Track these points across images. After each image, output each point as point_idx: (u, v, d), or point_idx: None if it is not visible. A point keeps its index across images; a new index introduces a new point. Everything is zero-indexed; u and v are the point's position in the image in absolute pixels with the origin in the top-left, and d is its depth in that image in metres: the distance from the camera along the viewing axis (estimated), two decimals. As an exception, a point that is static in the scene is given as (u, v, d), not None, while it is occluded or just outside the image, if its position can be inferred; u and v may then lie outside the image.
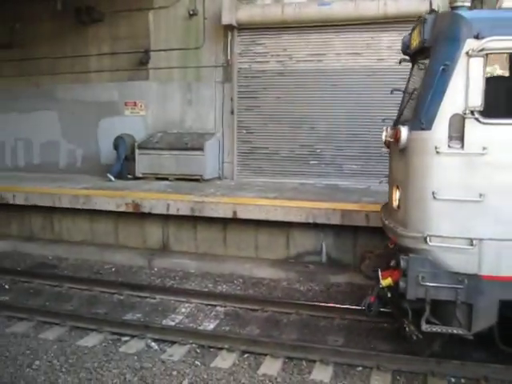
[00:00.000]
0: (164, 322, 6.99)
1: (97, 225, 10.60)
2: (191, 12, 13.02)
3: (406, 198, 5.32)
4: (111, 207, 10.06)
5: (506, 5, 5.13)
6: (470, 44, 4.74)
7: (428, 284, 5.00)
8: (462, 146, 4.83)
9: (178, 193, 10.38)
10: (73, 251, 10.19)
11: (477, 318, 5.00)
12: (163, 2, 13.34)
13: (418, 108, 5.10)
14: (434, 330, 5.12)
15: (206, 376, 5.51)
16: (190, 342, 6.27)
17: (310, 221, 8.74)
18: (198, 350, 6.16)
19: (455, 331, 5.09)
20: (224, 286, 8.45)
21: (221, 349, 6.13)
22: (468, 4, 4.99)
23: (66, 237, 10.90)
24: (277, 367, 5.74)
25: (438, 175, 4.94)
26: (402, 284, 5.11)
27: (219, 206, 9.29)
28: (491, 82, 4.91)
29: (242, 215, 9.15)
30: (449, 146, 4.87)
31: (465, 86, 4.78)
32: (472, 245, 4.86)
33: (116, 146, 12.85)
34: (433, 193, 4.92)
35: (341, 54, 11.92)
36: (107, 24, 13.98)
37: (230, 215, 9.16)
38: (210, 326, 6.90)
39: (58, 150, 14.91)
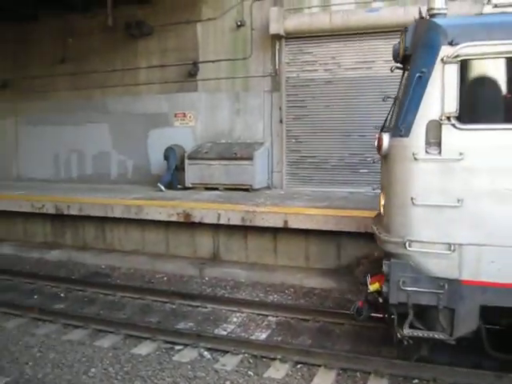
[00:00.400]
0: (216, 331, 6.98)
1: (148, 234, 10.73)
2: (239, 23, 13.13)
3: (388, 203, 5.40)
4: (162, 217, 10.18)
5: (486, 11, 5.20)
6: (445, 51, 4.81)
7: (409, 289, 5.06)
8: (440, 152, 4.87)
9: (228, 202, 10.42)
10: (125, 260, 10.34)
11: (458, 323, 5.00)
12: (211, 13, 13.51)
13: (398, 115, 5.19)
14: (416, 334, 5.16)
15: (259, 386, 5.49)
16: (243, 351, 6.24)
17: (362, 230, 8.61)
18: (251, 360, 6.12)
19: (436, 336, 5.11)
20: (275, 296, 8.40)
21: (273, 359, 6.06)
22: (445, 12, 5.07)
23: (118, 246, 11.07)
24: (331, 379, 5.64)
25: (417, 181, 5.00)
26: (384, 289, 5.22)
27: (270, 215, 9.26)
28: (471, 88, 4.97)
29: (292, 225, 9.09)
30: (426, 152, 4.92)
31: (441, 93, 4.84)
32: (451, 250, 4.90)
33: (166, 157, 13.03)
34: (412, 198, 4.98)
35: (390, 61, 11.69)
36: (156, 37, 14.25)
37: (280, 225, 9.12)
38: (262, 335, 6.86)
39: (110, 161, 15.24)
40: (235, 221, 9.52)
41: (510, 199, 4.75)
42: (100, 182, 14.93)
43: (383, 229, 5.52)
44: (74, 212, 11.11)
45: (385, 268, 5.19)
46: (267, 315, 7.44)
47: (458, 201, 4.83)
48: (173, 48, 14.08)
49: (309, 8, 12.53)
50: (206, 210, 9.84)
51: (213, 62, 13.62)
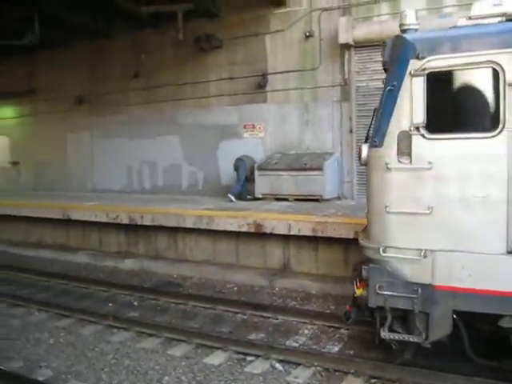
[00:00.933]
0: (287, 342, 6.90)
1: (219, 244, 10.81)
2: (307, 34, 13.12)
3: (368, 211, 5.70)
4: (233, 227, 10.22)
5: (460, 23, 5.34)
6: (413, 64, 5.07)
7: (386, 293, 5.30)
8: (410, 162, 5.13)
9: (299, 213, 10.35)
10: (196, 270, 10.45)
11: (433, 327, 5.16)
12: (279, 25, 13.56)
13: (374, 126, 5.51)
14: (392, 337, 5.38)
15: (333, 400, 5.38)
16: (315, 364, 6.14)
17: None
18: (323, 373, 6.01)
19: (411, 339, 5.31)
20: (347, 308, 8.24)
21: (347, 373, 5.93)
22: (416, 27, 5.34)
23: (190, 256, 11.21)
24: (407, 394, 5.46)
25: (390, 189, 5.26)
26: (364, 293, 5.51)
27: (341, 226, 9.12)
28: (437, 99, 5.11)
29: (363, 236, 8.91)
30: (398, 162, 5.18)
31: (410, 105, 5.09)
32: (424, 256, 5.09)
33: (236, 168, 13.13)
34: (386, 206, 5.24)
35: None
36: (225, 50, 14.45)
37: (351, 236, 8.96)
38: (334, 348, 6.73)
39: (180, 173, 15.52)
40: (306, 231, 9.43)
41: (477, 206, 4.91)
42: (171, 193, 15.24)
43: (366, 236, 5.83)
44: (146, 222, 11.36)
45: (364, 273, 5.47)
46: (339, 327, 7.30)
47: (429, 208, 5.05)
48: (242, 60, 14.22)
49: (378, 16, 12.35)
50: (277, 220, 9.81)
51: (281, 73, 13.65)
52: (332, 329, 7.32)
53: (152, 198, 14.54)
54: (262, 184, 12.78)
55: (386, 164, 5.22)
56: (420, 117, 5.05)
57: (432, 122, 5.05)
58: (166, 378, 6.00)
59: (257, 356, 6.42)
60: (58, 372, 6.24)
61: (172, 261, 11.20)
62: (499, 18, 5.15)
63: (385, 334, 5.39)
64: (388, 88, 5.24)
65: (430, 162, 5.03)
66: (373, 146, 5.40)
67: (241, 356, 6.50)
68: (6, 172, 19.98)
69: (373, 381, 5.78)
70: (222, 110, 14.62)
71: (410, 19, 5.36)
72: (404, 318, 5.40)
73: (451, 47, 5.00)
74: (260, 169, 12.85)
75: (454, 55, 4.97)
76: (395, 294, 5.27)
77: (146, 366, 6.33)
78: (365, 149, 5.56)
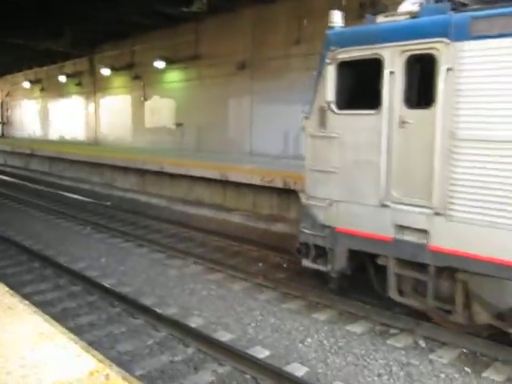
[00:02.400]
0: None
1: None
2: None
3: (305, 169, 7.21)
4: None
5: (379, 20, 6.35)
6: (329, 55, 6.55)
7: (309, 232, 6.94)
8: (325, 131, 6.68)
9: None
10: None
11: (336, 261, 6.69)
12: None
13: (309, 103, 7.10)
14: (309, 266, 7.08)
15: (477, 384, 5.21)
16: (461, 346, 5.96)
17: None
18: (469, 356, 5.82)
19: (322, 269, 6.91)
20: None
21: (495, 359, 5.69)
22: (338, 24, 6.68)
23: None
24: None
25: (312, 152, 6.96)
26: (299, 232, 7.14)
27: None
28: (343, 83, 6.54)
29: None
30: (318, 131, 6.78)
31: (326, 86, 6.59)
32: (331, 204, 6.67)
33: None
34: (310, 164, 6.95)
35: None
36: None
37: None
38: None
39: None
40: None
41: (364, 168, 6.29)
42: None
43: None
44: (299, 187, 11.52)
45: (299, 216, 7.27)
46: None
47: (335, 168, 6.60)
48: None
49: None
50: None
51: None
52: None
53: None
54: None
55: (311, 132, 6.91)
56: (332, 96, 6.56)
57: (339, 100, 6.56)
58: (309, 339, 6.21)
59: (401, 330, 6.38)
60: (209, 321, 6.72)
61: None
62: (406, 16, 6.09)
63: (305, 263, 7.12)
64: (317, 73, 6.80)
65: (337, 132, 6.55)
66: (306, 118, 7.04)
67: (384, 328, 6.50)
68: (172, 133, 21.33)
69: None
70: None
71: (336, 18, 6.70)
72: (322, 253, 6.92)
73: (353, 42, 6.37)
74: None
75: (353, 48, 6.33)
76: (314, 233, 6.88)
77: (290, 325, 6.59)
78: (303, 120, 7.12)
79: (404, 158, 5.93)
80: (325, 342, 6.14)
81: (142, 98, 22.67)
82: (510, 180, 5.11)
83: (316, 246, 6.91)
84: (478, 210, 5.35)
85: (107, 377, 3.47)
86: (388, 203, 6.07)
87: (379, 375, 5.42)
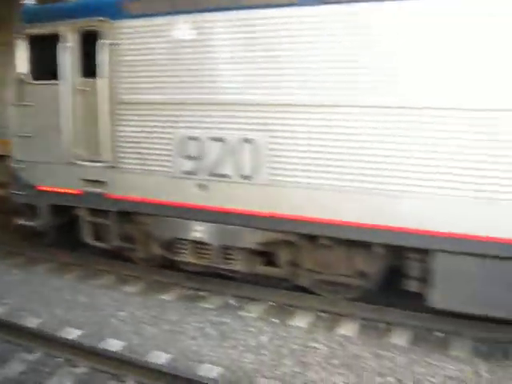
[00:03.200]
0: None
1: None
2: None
3: None
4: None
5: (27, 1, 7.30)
6: (21, 30, 7.15)
7: (17, 192, 7.46)
8: (23, 100, 7.21)
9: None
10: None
11: (40, 216, 7.35)
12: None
13: None
14: (22, 223, 7.63)
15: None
16: (268, 300, 6.35)
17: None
18: (276, 308, 6.21)
19: (30, 224, 7.50)
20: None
21: (298, 308, 6.15)
22: (31, 1, 7.30)
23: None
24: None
25: (15, 120, 7.39)
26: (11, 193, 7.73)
27: None
28: (34, 55, 7.18)
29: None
30: (17, 100, 7.28)
31: (21, 58, 7.18)
32: (31, 166, 7.24)
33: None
34: (14, 131, 7.43)
35: None
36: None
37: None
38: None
39: None
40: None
41: (55, 131, 6.95)
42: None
43: None
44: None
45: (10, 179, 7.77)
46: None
47: (32, 133, 7.15)
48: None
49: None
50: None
51: None
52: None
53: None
54: None
55: (11, 102, 7.42)
56: (25, 68, 7.15)
57: (33, 72, 7.15)
58: (121, 313, 6.08)
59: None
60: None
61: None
62: None
63: (19, 221, 7.65)
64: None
65: (32, 101, 7.11)
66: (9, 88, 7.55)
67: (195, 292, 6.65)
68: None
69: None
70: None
71: None
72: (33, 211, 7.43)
73: (39, 18, 7.02)
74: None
75: (39, 24, 6.96)
76: (20, 192, 7.41)
77: (101, 302, 6.40)
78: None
79: (83, 122, 6.85)
80: (138, 313, 6.08)
81: None
82: (153, 134, 6.31)
83: (28, 205, 7.51)
84: (137, 161, 6.47)
85: None
86: (74, 161, 6.91)
87: (194, 338, 5.52)
